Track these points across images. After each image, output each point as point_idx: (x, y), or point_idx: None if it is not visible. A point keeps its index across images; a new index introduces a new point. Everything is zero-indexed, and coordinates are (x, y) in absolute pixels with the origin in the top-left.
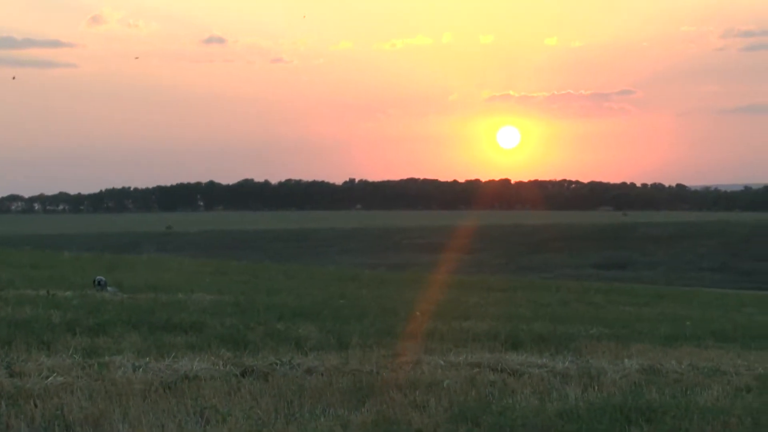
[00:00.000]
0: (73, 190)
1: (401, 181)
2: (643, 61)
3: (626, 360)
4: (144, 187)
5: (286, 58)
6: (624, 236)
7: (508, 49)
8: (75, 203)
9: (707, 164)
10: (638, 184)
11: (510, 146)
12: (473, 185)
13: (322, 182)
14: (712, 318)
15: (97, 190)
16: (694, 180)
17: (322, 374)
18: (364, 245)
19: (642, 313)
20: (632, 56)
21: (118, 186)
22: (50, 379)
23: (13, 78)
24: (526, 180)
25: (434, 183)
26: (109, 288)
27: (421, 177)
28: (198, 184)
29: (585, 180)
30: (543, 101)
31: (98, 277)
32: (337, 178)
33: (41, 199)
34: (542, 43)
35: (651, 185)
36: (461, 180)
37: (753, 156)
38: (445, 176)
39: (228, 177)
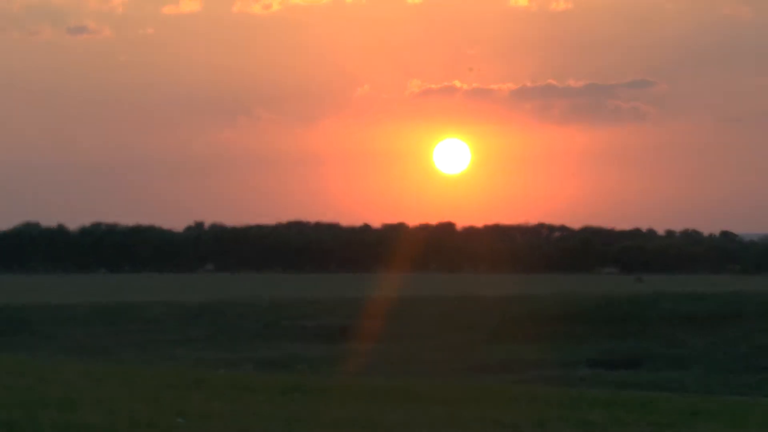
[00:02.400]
0: None
1: (279, 226)
2: (668, 35)
3: None
4: None
5: (92, 27)
6: (638, 315)
7: (452, 12)
8: None
9: None
10: (660, 232)
11: (454, 171)
12: (395, 233)
13: (151, 228)
14: None
15: None
16: (751, 225)
17: None
18: (218, 330)
19: None
20: (651, 26)
21: None
22: None
23: None
24: (480, 225)
25: (333, 230)
26: None
27: (312, 220)
28: None
29: (575, 225)
30: (508, 97)
31: None
32: (175, 222)
33: None
34: (506, 4)
35: (680, 233)
36: (376, 224)
37: None
38: (350, 219)
39: None
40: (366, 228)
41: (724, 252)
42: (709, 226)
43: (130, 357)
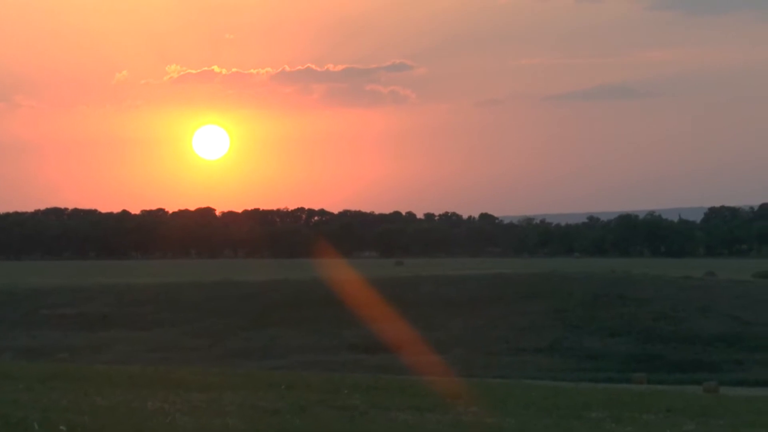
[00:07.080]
0: None
1: (36, 213)
2: (426, 19)
3: None
4: None
5: None
6: (399, 299)
7: None
8: None
9: (529, 182)
10: (419, 215)
11: (214, 156)
12: (154, 219)
13: None
14: (536, 430)
15: None
16: (509, 208)
17: None
18: None
19: (425, 423)
20: (409, 10)
21: None
22: None
23: None
24: (239, 210)
25: (89, 216)
26: None
27: (70, 206)
28: None
29: (335, 209)
30: (267, 82)
31: None
32: None
33: None
34: None
35: (440, 216)
36: (134, 211)
37: (601, 169)
38: (107, 205)
39: None
40: (125, 214)
41: (483, 234)
42: (469, 209)
43: None
